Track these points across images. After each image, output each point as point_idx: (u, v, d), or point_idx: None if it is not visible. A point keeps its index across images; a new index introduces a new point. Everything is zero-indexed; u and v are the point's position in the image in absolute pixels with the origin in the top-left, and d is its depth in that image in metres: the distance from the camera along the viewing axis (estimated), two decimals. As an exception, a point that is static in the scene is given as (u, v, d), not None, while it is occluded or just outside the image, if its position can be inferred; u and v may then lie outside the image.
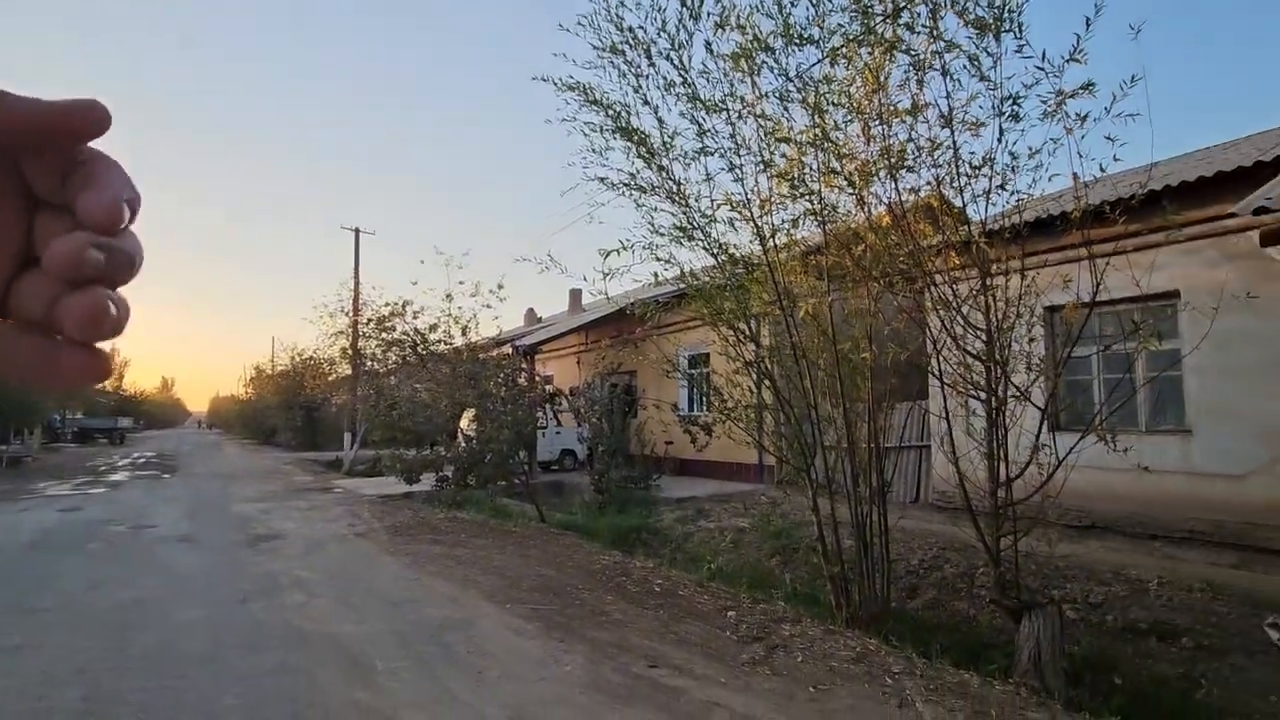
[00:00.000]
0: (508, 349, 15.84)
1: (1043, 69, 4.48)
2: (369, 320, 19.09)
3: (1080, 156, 4.39)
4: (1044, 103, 4.56)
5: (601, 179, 5.86)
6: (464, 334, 14.47)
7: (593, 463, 13.70)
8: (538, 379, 13.91)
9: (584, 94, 5.79)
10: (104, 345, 0.37)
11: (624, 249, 5.74)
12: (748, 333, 6.01)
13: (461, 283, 16.90)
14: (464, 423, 12.73)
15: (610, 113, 5.74)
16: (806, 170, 5.59)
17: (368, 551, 8.05)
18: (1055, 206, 5.88)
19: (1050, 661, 4.46)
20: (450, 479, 11.11)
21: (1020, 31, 4.55)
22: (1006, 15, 4.58)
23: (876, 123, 5.27)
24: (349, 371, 22.15)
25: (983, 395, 4.62)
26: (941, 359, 4.98)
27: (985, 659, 4.92)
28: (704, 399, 14.39)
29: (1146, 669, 4.83)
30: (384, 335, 17.98)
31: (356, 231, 25.65)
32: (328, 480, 17.32)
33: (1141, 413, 8.11)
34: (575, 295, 26.61)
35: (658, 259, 5.93)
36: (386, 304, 18.31)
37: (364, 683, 4.04)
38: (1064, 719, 3.66)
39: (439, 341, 15.56)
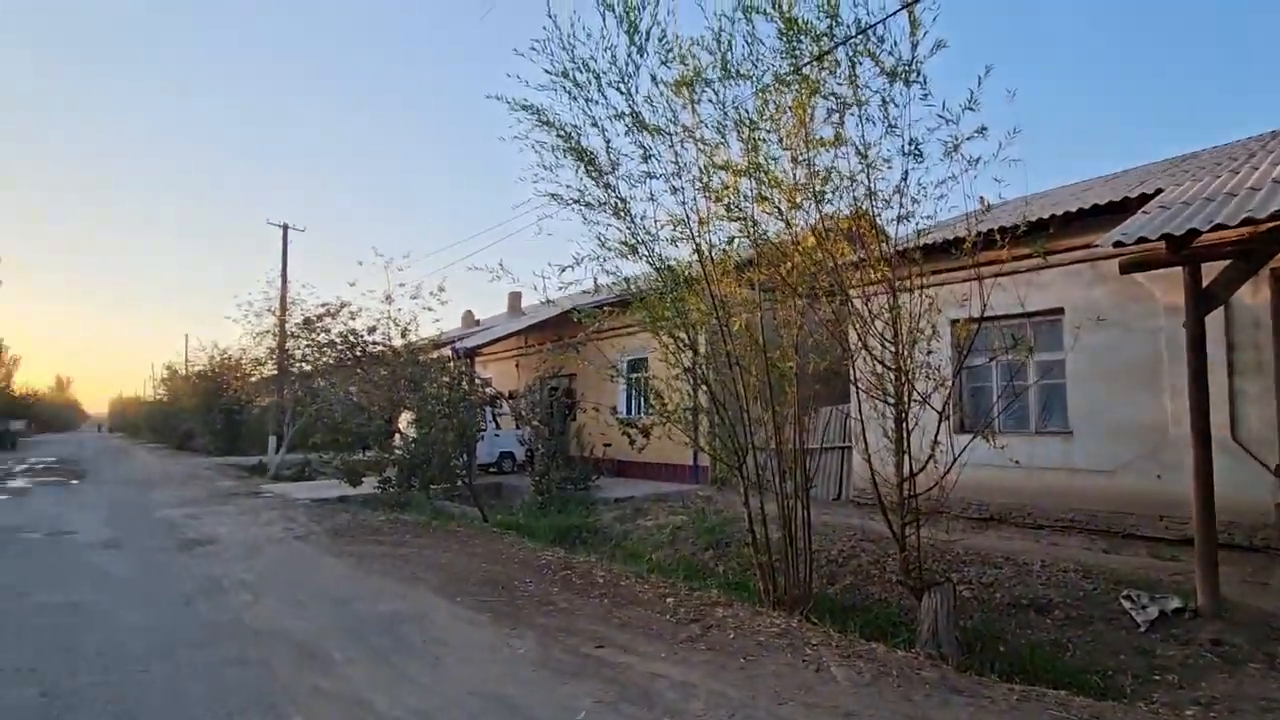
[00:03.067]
0: (447, 351, 15.86)
1: (943, 116, 5.17)
2: (299, 321, 18.69)
3: (967, 197, 5.05)
4: (944, 144, 5.25)
5: (553, 195, 6.21)
6: (404, 336, 14.47)
7: (532, 465, 13.93)
8: (478, 381, 14.02)
9: (536, 115, 6.13)
10: None
11: (576, 264, 6.11)
12: (686, 341, 6.49)
13: (402, 285, 16.75)
14: (403, 424, 12.73)
15: (561, 133, 6.10)
16: (741, 194, 6.12)
17: (309, 553, 8.07)
18: (955, 231, 6.66)
19: (945, 632, 5.11)
20: (393, 481, 11.12)
21: (924, 82, 5.22)
22: (913, 65, 5.24)
23: (803, 152, 5.86)
24: (275, 372, 21.46)
25: (891, 400, 5.25)
26: (856, 367, 5.60)
27: (893, 634, 5.56)
28: (643, 402, 14.86)
29: (1026, 638, 5.57)
30: (315, 336, 17.64)
31: (285, 228, 24.78)
32: (254, 485, 16.77)
33: (1032, 416, 9.10)
34: (515, 298, 26.66)
35: (605, 271, 6.32)
36: (322, 304, 17.98)
37: (323, 671, 4.24)
38: (953, 678, 4.26)
39: (376, 344, 15.46)
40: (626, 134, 6.07)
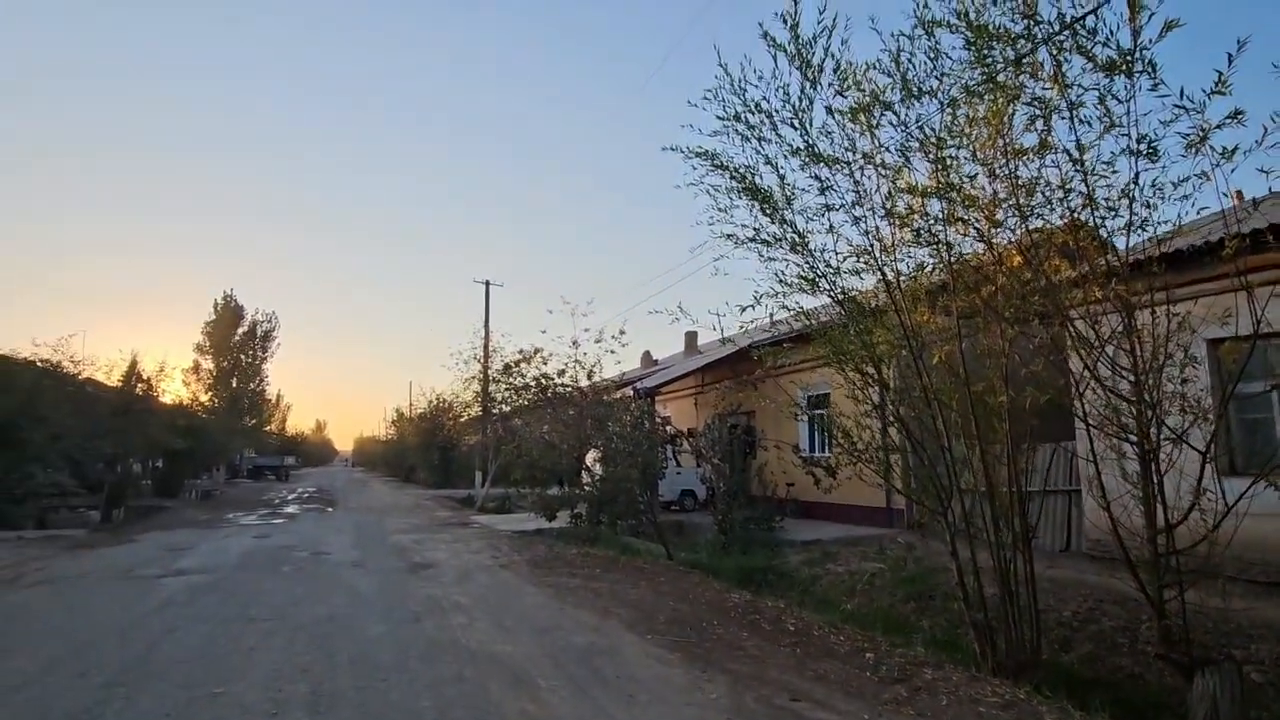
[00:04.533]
0: (629, 391, 16.54)
1: (1182, 106, 4.43)
2: (500, 367, 20.71)
3: (1222, 195, 4.25)
4: (1184, 138, 4.48)
5: (728, 235, 6.30)
6: (589, 377, 15.36)
7: (713, 503, 13.89)
8: (658, 420, 14.41)
9: (710, 159, 6.30)
10: None
11: (756, 302, 6.11)
12: (874, 375, 6.13)
13: (586, 330, 17.95)
14: (590, 462, 13.43)
15: (734, 175, 6.19)
16: (930, 216, 5.73)
17: (512, 581, 8.72)
18: (1208, 235, 5.60)
19: (1231, 724, 4.15)
20: (583, 516, 11.71)
21: (1153, 70, 4.53)
22: (1135, 54, 4.58)
23: (1001, 164, 5.36)
24: (479, 414, 23.87)
25: (1133, 438, 4.48)
26: (1084, 400, 4.87)
27: (1153, 719, 4.62)
28: (827, 440, 14.24)
29: (1355, 743, 4.33)
30: (513, 380, 19.40)
31: (487, 284, 27.89)
32: (464, 516, 18.64)
33: (1337, 455, 7.23)
34: (691, 337, 27.19)
35: (784, 308, 6.23)
36: (519, 351, 19.81)
37: (530, 697, 4.50)
38: (1248, 784, 3.43)
39: (565, 385, 16.58)
40: (802, 168, 6.00)
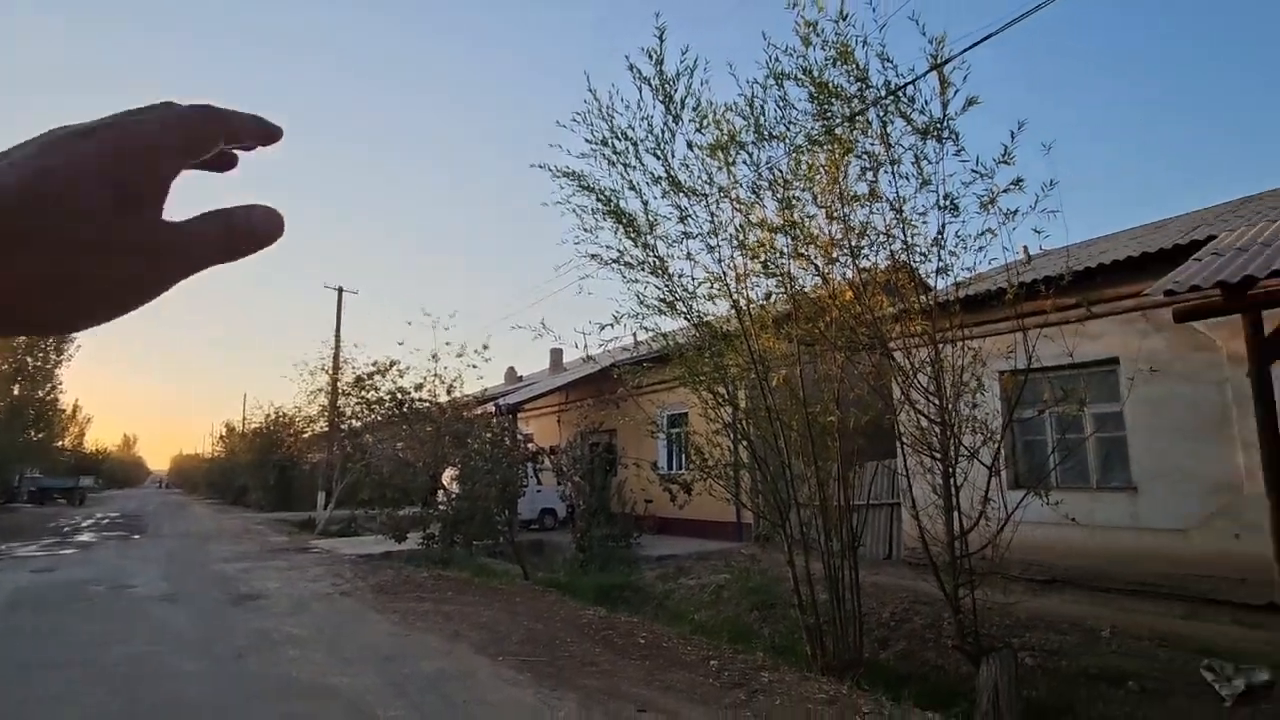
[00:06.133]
0: (490, 407, 16.16)
1: (977, 171, 5.22)
2: (351, 380, 19.38)
3: (1005, 249, 5.05)
4: (979, 198, 5.28)
5: (593, 255, 6.44)
6: (449, 393, 14.83)
7: (573, 521, 13.88)
8: (520, 437, 14.19)
9: (577, 180, 6.43)
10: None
11: (615, 321, 6.27)
12: (726, 396, 6.51)
13: (448, 344, 17.31)
14: (447, 480, 12.92)
15: (601, 197, 6.37)
16: (777, 250, 6.23)
17: (355, 609, 8.14)
18: (996, 283, 6.59)
19: (1007, 704, 4.82)
20: (437, 537, 11.22)
21: (956, 138, 5.30)
22: (944, 123, 5.34)
23: (838, 208, 5.96)
24: (326, 429, 22.14)
25: (937, 455, 5.13)
26: (901, 422, 5.51)
27: (951, 704, 5.25)
28: (683, 457, 14.77)
29: (1098, 711, 5.19)
30: (365, 394, 18.23)
31: (340, 291, 26.06)
32: (303, 540, 17.11)
33: (1092, 472, 8.70)
34: (556, 355, 27.11)
35: (644, 329, 6.46)
36: (372, 363, 18.66)
37: (367, 730, 4.24)
38: (1018, 753, 4.00)
39: (423, 400, 15.87)
40: (664, 196, 6.30)
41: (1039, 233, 5.19)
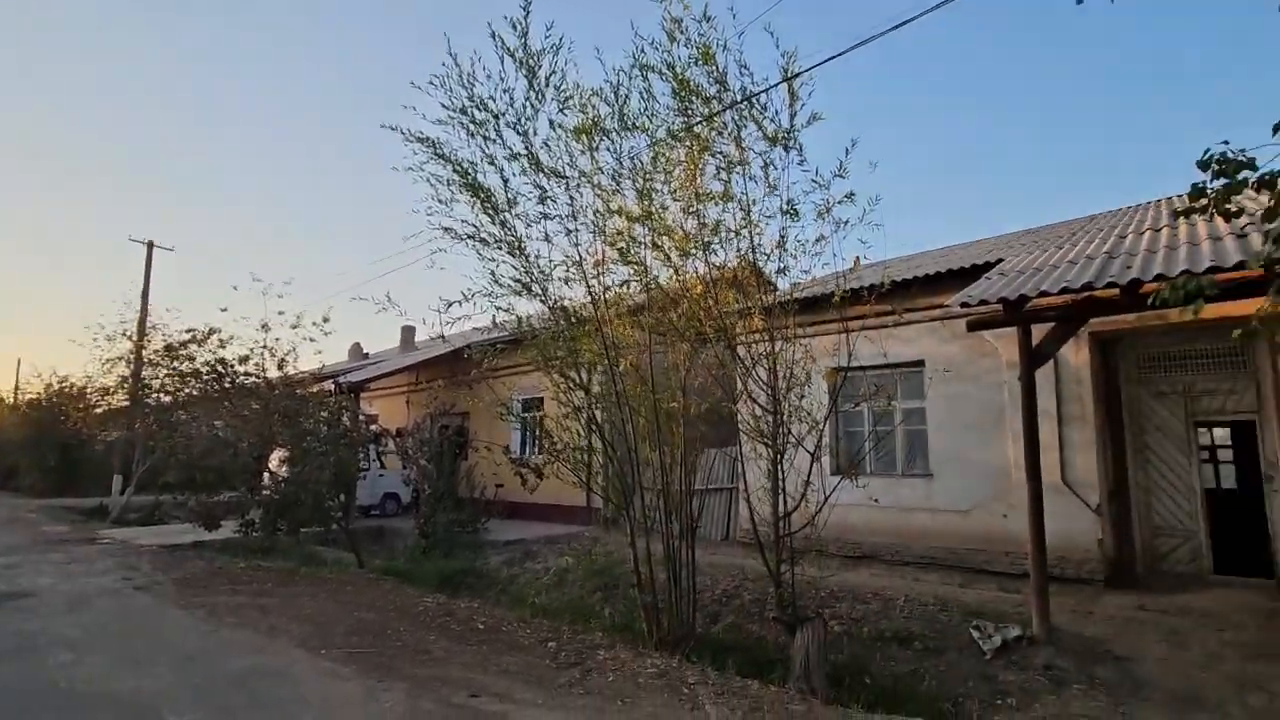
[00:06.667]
0: (329, 385, 14.99)
1: (817, 181, 5.66)
2: (160, 348, 17.07)
3: (836, 256, 5.53)
4: (817, 207, 5.73)
5: (446, 229, 6.16)
6: (280, 367, 13.57)
7: (418, 506, 13.30)
8: (363, 418, 13.32)
9: (433, 147, 6.11)
10: None
11: (466, 299, 6.05)
12: (578, 380, 6.55)
13: (281, 313, 15.75)
14: (273, 463, 11.81)
15: (458, 169, 6.10)
16: (635, 239, 6.35)
17: (150, 605, 7.22)
18: (827, 287, 7.22)
19: (816, 667, 5.33)
20: (258, 524, 10.24)
21: (801, 149, 5.71)
22: (791, 133, 5.72)
23: (694, 204, 6.19)
24: (127, 402, 19.33)
25: (768, 442, 5.53)
26: (739, 411, 5.87)
27: (770, 670, 5.71)
28: (536, 442, 14.69)
29: (889, 669, 5.90)
30: (178, 365, 16.14)
31: (150, 245, 22.73)
32: (91, 530, 14.85)
33: (899, 460, 9.83)
34: (408, 333, 25.72)
35: (498, 308, 6.30)
36: (187, 330, 16.55)
37: (155, 738, 3.79)
38: (820, 710, 4.45)
39: (249, 374, 14.36)
40: (524, 174, 6.17)
41: (864, 243, 5.76)
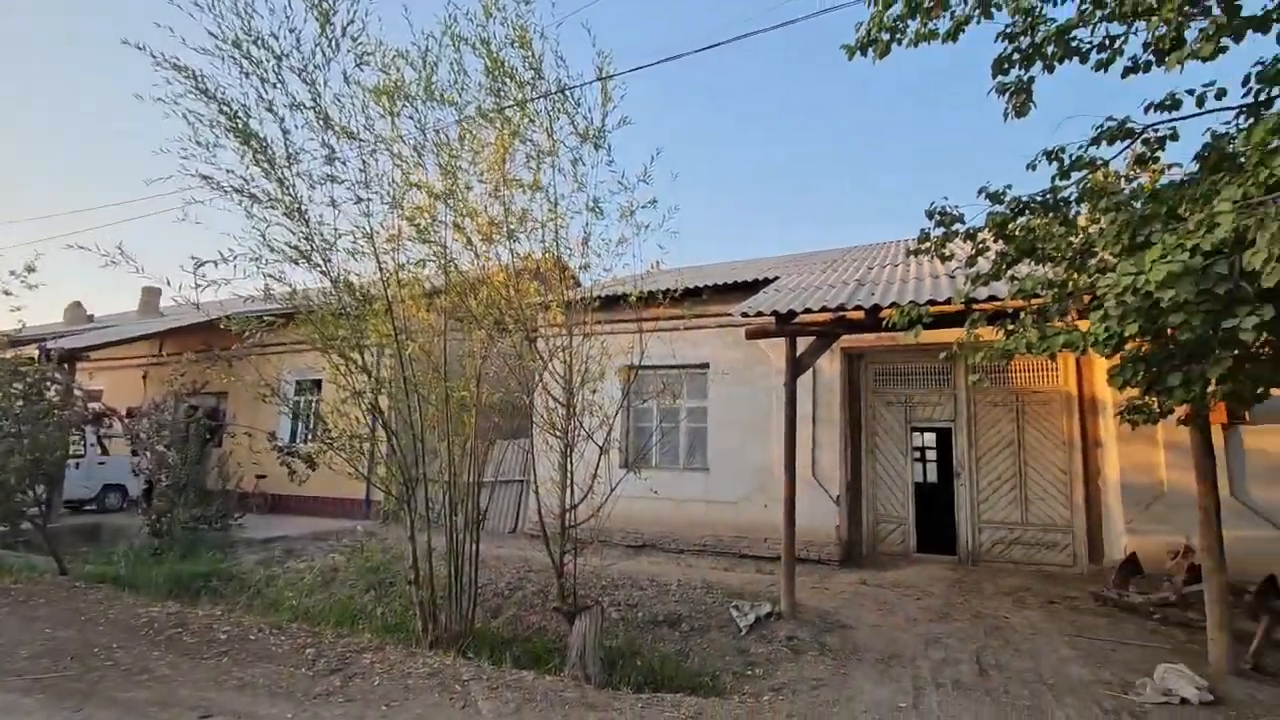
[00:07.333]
0: (33, 350, 12.09)
1: (622, 183, 5.83)
2: None
3: (636, 259, 5.76)
4: (621, 208, 5.91)
5: (206, 178, 5.29)
6: (-44, 324, 10.62)
7: (149, 500, 11.27)
8: (79, 393, 10.90)
9: (194, 79, 5.21)
10: None
11: (225, 260, 5.25)
12: (362, 363, 6.02)
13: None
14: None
15: (226, 110, 5.27)
16: (435, 218, 6.00)
17: None
18: (625, 287, 7.50)
19: (591, 653, 5.50)
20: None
21: (609, 150, 5.84)
22: (602, 132, 5.83)
23: (501, 189, 6.03)
24: None
25: (559, 434, 5.57)
26: (533, 402, 5.84)
27: (547, 660, 5.77)
28: (310, 429, 13.27)
29: (658, 650, 6.28)
30: None
31: None
32: None
33: (681, 455, 10.53)
34: (151, 294, 21.72)
35: (269, 276, 5.56)
36: None
37: None
38: (592, 695, 4.59)
39: (-95, 330, 11.06)
40: (309, 129, 5.52)
41: (663, 249, 6.10)
